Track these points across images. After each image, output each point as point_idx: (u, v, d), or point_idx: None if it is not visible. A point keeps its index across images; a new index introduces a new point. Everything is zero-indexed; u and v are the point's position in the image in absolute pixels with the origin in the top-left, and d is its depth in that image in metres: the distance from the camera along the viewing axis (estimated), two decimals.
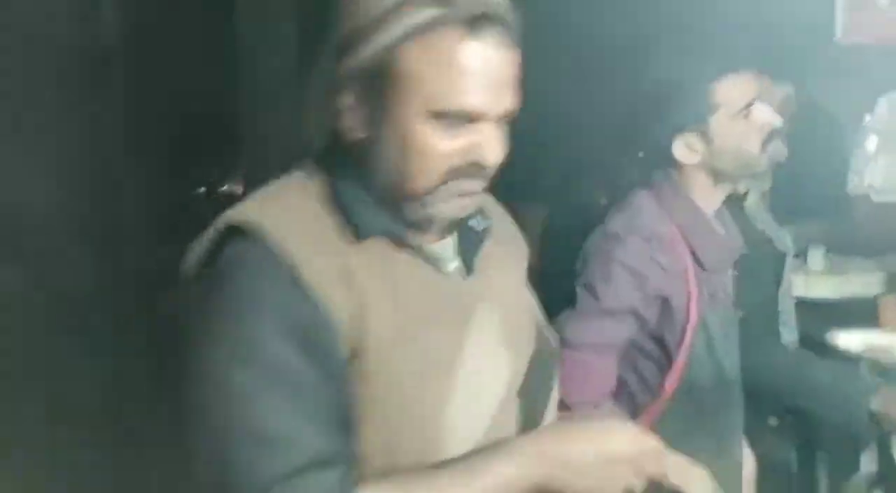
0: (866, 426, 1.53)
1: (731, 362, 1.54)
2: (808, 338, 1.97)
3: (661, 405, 1.45)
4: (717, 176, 1.48)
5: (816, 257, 2.33)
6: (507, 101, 0.93)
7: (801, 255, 2.14)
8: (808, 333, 1.99)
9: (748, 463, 1.60)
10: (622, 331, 1.43)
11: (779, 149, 1.96)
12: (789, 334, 2.01)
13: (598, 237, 1.47)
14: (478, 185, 0.94)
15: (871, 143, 1.81)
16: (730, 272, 1.57)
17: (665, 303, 1.43)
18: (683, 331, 1.44)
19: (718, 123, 1.44)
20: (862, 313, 2.10)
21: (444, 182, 0.91)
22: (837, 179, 1.93)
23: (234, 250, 0.90)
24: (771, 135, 1.47)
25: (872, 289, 2.24)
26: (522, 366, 1.03)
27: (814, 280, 2.29)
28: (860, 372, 1.72)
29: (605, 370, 1.43)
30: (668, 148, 1.46)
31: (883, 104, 1.81)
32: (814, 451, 1.90)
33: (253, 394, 0.85)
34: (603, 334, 1.42)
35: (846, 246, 2.26)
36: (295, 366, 0.86)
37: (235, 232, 0.91)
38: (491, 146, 0.92)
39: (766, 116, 1.45)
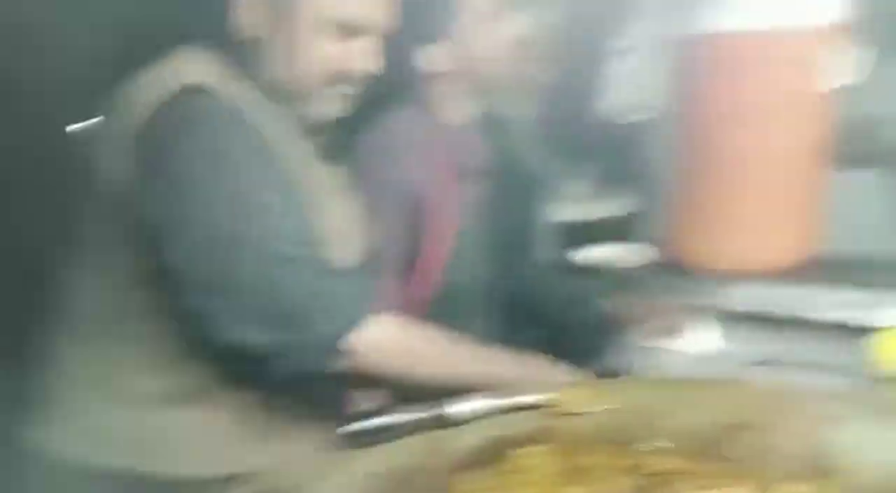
0: (601, 326, 1.67)
1: (481, 273, 1.62)
2: (562, 256, 2.09)
3: (418, 314, 1.49)
4: (467, 88, 1.51)
5: (576, 183, 2.49)
6: (388, 17, 1.10)
7: (562, 180, 2.24)
8: (562, 251, 2.11)
9: None
10: (403, 244, 1.47)
11: (542, 72, 2.03)
12: (545, 253, 2.12)
13: (357, 157, 1.45)
14: (353, 90, 1.10)
15: (621, 65, 1.91)
16: (481, 186, 1.63)
17: (423, 212, 1.47)
18: (439, 240, 1.49)
19: (463, 30, 1.46)
20: (616, 230, 2.26)
21: (326, 84, 1.07)
22: (593, 103, 2.02)
23: (201, 105, 0.99)
24: (522, 49, 1.51)
25: (626, 208, 2.41)
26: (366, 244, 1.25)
27: (573, 205, 2.45)
28: (598, 280, 1.86)
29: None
30: (415, 59, 1.47)
31: (629, 27, 1.92)
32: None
33: (278, 207, 0.99)
34: (393, 249, 1.45)
35: (603, 168, 2.41)
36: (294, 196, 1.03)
37: (188, 91, 0.99)
38: (369, 56, 1.08)
39: (513, 25, 1.48)
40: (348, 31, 1.06)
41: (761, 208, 1.61)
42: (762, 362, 1.01)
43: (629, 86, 1.93)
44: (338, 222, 1.15)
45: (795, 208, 1.66)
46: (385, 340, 0.99)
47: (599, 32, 2.00)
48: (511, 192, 1.79)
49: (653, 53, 1.79)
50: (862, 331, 1.42)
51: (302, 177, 1.07)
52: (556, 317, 1.81)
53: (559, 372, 1.04)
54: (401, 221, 1.46)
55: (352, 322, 0.97)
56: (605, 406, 0.87)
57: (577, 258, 2.01)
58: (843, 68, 1.56)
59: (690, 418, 0.84)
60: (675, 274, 1.77)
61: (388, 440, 0.85)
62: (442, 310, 1.50)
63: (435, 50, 1.46)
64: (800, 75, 1.54)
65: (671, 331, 1.56)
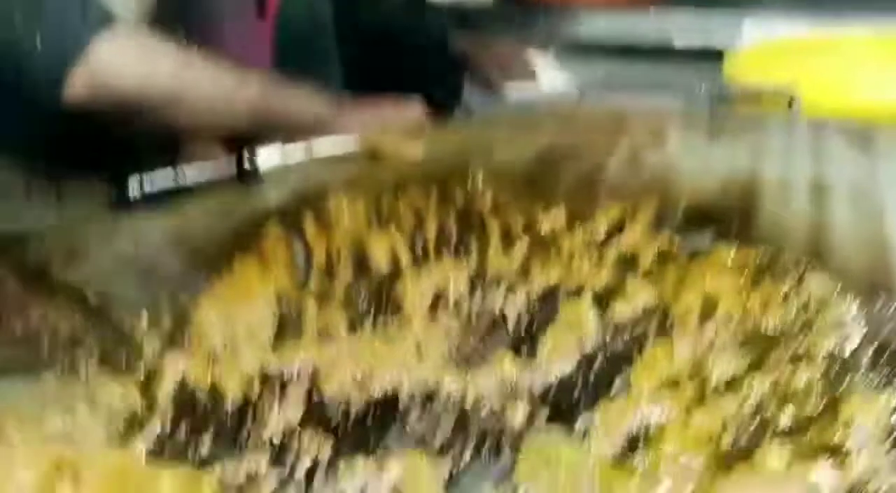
0: (452, 64, 1.58)
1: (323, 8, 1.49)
2: None
3: (266, 34, 1.36)
4: None
5: None
6: None
7: None
8: None
9: None
10: None
11: None
12: None
13: None
14: None
15: None
16: None
17: None
18: None
19: None
20: None
21: None
22: None
23: None
24: None
25: None
26: None
27: None
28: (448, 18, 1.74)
29: None
30: None
31: None
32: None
33: None
34: None
35: None
36: None
37: None
38: None
39: None
40: None
41: None
42: (604, 88, 0.95)
43: None
44: None
45: None
46: (124, 56, 0.82)
47: None
48: None
49: None
50: (717, 55, 1.38)
51: None
52: (409, 52, 1.72)
53: (374, 116, 0.92)
54: None
55: (79, 40, 0.80)
56: (421, 150, 0.80)
57: None
58: None
59: (508, 154, 0.78)
60: (525, 8, 1.67)
61: (180, 201, 0.76)
62: (287, 50, 1.39)
63: None
64: None
65: (522, 69, 1.50)
